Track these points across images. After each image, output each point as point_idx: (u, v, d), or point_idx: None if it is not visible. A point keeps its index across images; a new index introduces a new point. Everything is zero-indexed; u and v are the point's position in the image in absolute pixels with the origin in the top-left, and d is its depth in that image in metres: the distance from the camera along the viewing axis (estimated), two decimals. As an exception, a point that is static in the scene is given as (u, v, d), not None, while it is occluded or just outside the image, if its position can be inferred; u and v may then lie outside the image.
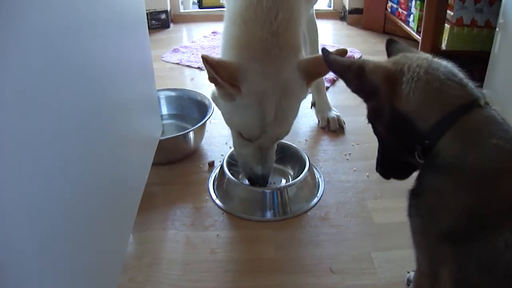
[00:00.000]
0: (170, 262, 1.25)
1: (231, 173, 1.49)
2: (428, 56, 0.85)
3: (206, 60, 1.19)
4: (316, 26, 1.92)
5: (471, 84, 0.79)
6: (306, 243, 1.32)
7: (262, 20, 1.25)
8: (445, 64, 0.82)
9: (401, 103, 0.79)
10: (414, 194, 0.79)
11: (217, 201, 1.47)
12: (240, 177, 1.55)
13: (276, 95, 1.25)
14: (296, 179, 1.46)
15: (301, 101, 1.36)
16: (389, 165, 0.93)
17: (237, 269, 1.23)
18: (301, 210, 1.43)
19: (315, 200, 1.47)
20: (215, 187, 1.54)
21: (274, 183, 1.56)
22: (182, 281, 1.19)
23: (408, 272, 1.15)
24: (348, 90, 0.87)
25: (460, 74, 0.80)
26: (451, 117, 0.74)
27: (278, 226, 1.39)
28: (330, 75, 2.07)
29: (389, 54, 0.96)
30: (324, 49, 0.91)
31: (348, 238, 1.32)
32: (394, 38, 1.00)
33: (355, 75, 0.83)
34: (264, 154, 1.39)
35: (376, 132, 0.90)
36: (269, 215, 1.41)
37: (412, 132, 0.79)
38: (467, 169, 0.70)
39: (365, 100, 0.87)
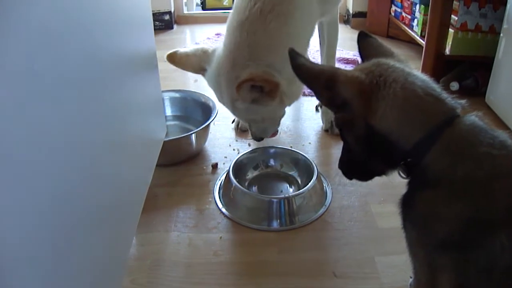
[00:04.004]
0: (172, 264, 1.25)
1: (237, 181, 1.47)
2: (404, 66, 0.80)
3: (169, 57, 1.55)
4: (337, 29, 1.89)
5: (448, 96, 0.77)
6: (309, 247, 1.32)
7: (241, 8, 1.33)
8: (422, 78, 0.78)
9: (377, 121, 0.75)
10: (406, 205, 0.78)
11: (223, 210, 1.45)
12: (246, 184, 1.56)
13: (219, 89, 1.44)
14: (304, 188, 1.43)
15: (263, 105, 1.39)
16: (354, 168, 0.89)
17: (239, 272, 1.23)
18: (309, 220, 1.40)
19: (323, 209, 1.45)
20: (220, 195, 1.53)
21: (281, 191, 1.56)
22: (184, 283, 1.19)
23: (411, 277, 1.15)
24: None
25: (437, 87, 0.78)
26: (434, 134, 0.72)
27: (281, 229, 1.38)
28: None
29: (361, 48, 0.91)
30: (291, 50, 0.81)
31: (351, 242, 1.32)
32: (367, 32, 0.94)
33: (326, 86, 0.77)
34: (249, 123, 1.61)
35: (344, 139, 0.85)
36: (275, 224, 1.39)
37: (390, 150, 0.76)
38: (459, 180, 0.70)
39: (335, 112, 0.82)
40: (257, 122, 1.55)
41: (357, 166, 0.87)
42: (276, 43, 1.32)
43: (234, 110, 1.46)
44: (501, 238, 0.65)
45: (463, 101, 0.78)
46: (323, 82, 0.77)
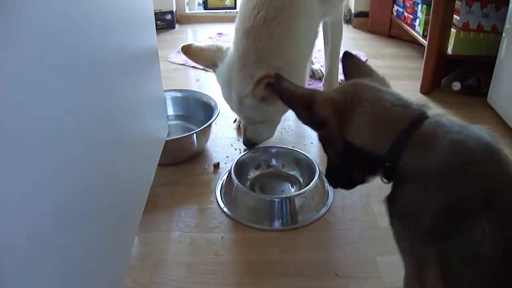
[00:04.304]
0: (174, 263, 1.25)
1: (238, 181, 1.47)
2: (378, 85, 0.86)
3: (184, 48, 1.59)
4: (341, 28, 1.95)
5: (414, 102, 0.83)
6: (311, 247, 1.32)
7: (246, 15, 1.40)
8: (391, 92, 0.85)
9: (353, 136, 0.82)
10: (391, 203, 0.82)
11: (225, 209, 1.45)
12: (247, 184, 1.56)
13: (230, 86, 1.49)
14: (306, 188, 1.43)
15: (262, 105, 1.47)
16: (338, 179, 0.97)
17: (241, 272, 1.23)
18: (310, 220, 1.40)
19: (325, 209, 1.45)
20: (222, 194, 1.53)
21: (283, 191, 1.56)
22: (186, 282, 1.19)
23: None
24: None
25: (405, 98, 0.84)
26: (403, 137, 0.78)
27: (283, 229, 1.38)
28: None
29: (344, 67, 0.99)
30: (277, 75, 0.91)
31: (353, 242, 1.32)
32: (350, 52, 1.01)
33: (305, 106, 0.86)
34: (245, 126, 1.64)
35: (326, 152, 0.93)
36: (277, 224, 1.39)
37: (368, 159, 0.83)
38: (434, 171, 0.74)
39: (315, 130, 0.91)
40: (256, 123, 1.58)
41: (340, 177, 0.95)
42: (280, 48, 1.40)
43: (239, 107, 1.50)
44: (481, 224, 0.68)
45: (430, 104, 0.84)
46: (303, 104, 0.86)
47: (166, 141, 1.52)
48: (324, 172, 1.57)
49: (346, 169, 0.90)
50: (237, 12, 1.52)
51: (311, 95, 0.85)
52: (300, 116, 0.89)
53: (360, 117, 0.81)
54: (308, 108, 0.85)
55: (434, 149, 0.75)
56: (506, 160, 0.73)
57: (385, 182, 0.84)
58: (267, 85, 1.39)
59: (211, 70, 1.62)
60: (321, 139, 0.91)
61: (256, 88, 1.38)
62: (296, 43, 1.44)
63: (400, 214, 0.81)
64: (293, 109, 0.90)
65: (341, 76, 2.31)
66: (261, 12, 1.38)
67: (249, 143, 1.66)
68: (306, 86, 1.85)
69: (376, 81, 0.89)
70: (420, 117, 0.79)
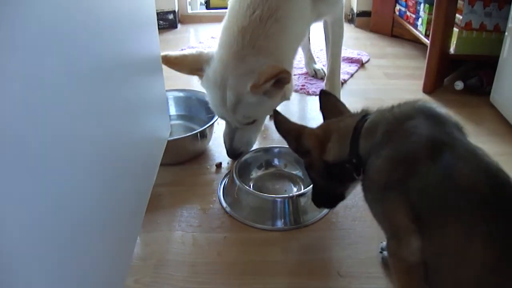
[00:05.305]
0: (176, 263, 1.25)
1: (241, 181, 1.47)
2: (341, 119, 1.09)
3: (164, 59, 1.49)
4: (341, 28, 1.97)
5: (361, 109, 1.06)
6: (313, 246, 1.32)
7: (240, 14, 1.44)
8: (348, 117, 1.08)
9: (327, 156, 1.05)
10: (364, 180, 1.00)
11: (227, 209, 1.45)
12: (250, 184, 1.56)
13: (225, 87, 1.44)
14: (308, 188, 1.41)
15: (261, 101, 1.45)
16: (322, 198, 1.19)
17: (243, 271, 1.23)
18: (313, 219, 1.40)
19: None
20: (224, 194, 1.53)
21: (285, 190, 1.56)
22: (188, 282, 1.19)
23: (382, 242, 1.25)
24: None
25: (354, 112, 1.09)
26: (355, 135, 0.99)
27: (285, 229, 1.38)
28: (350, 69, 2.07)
29: (321, 103, 1.19)
30: (275, 111, 1.15)
31: (355, 241, 1.32)
32: (327, 90, 1.27)
33: (294, 138, 1.09)
34: (233, 132, 1.57)
35: (310, 177, 1.15)
36: (280, 224, 1.39)
37: (340, 166, 1.03)
38: (381, 138, 0.93)
39: (301, 157, 1.14)
40: (247, 125, 1.55)
41: (324, 196, 1.18)
42: (276, 45, 1.44)
43: (236, 106, 1.45)
44: (426, 165, 0.85)
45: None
46: (293, 136, 1.10)
47: (169, 141, 1.52)
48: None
49: (328, 186, 1.12)
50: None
51: (300, 129, 1.10)
52: (290, 144, 1.12)
53: (331, 141, 1.04)
54: (296, 140, 1.09)
55: (377, 129, 0.95)
56: (431, 112, 0.93)
57: (358, 178, 1.01)
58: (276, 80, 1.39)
59: (196, 76, 1.58)
60: (306, 165, 1.13)
61: (267, 82, 1.36)
62: (289, 41, 1.50)
63: (368, 184, 0.98)
64: (285, 139, 1.12)
65: (343, 76, 2.31)
66: (257, 11, 1.42)
67: (235, 153, 1.61)
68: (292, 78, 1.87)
69: (346, 115, 1.12)
70: (364, 117, 1.01)
